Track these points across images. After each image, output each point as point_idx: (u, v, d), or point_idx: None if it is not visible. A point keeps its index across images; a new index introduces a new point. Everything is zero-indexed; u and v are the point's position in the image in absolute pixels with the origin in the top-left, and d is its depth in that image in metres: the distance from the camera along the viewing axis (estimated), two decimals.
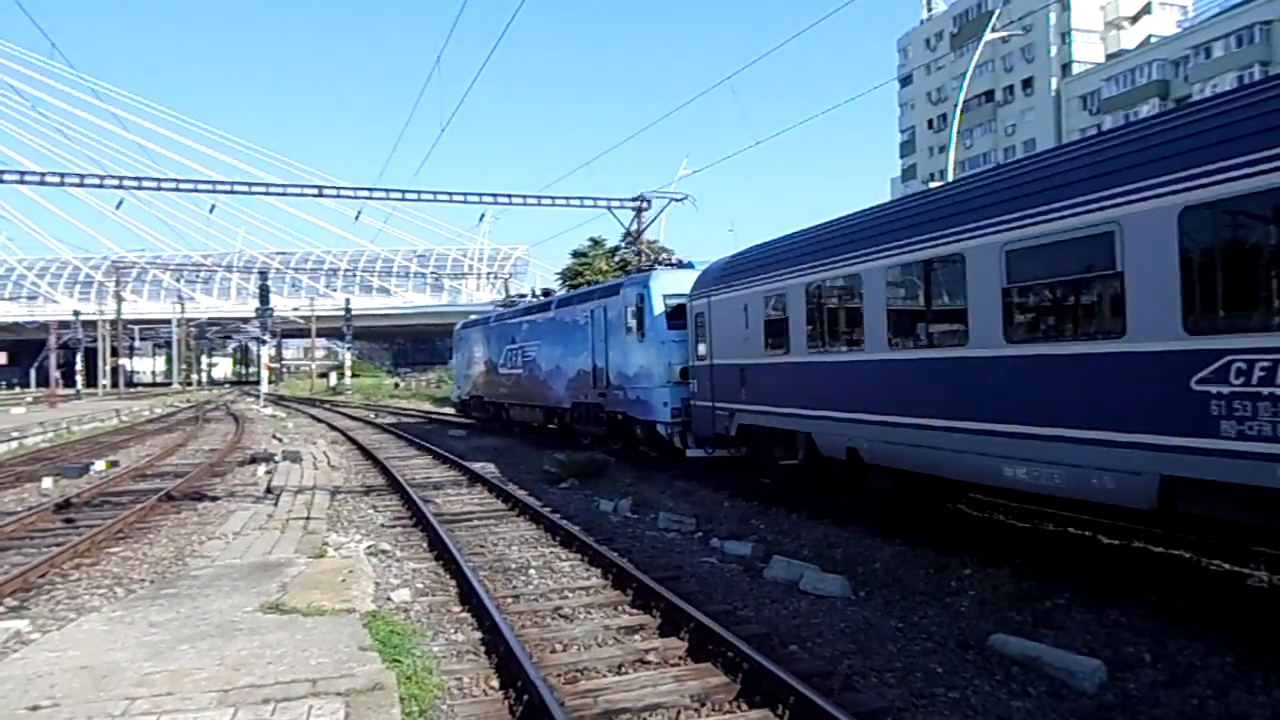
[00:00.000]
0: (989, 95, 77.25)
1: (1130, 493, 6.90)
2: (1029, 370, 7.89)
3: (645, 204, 30.80)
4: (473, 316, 35.67)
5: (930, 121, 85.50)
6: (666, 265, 20.38)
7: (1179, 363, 6.35)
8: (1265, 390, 5.71)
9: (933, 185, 10.32)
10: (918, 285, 9.68)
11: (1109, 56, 70.09)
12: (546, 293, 29.38)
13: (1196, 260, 6.32)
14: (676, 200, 29.03)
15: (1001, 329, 8.17)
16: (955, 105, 26.72)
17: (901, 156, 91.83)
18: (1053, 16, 71.15)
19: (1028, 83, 74.81)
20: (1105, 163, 7.21)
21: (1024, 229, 7.82)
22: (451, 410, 37.45)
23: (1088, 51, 72.08)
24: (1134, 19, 72.46)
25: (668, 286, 17.14)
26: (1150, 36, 68.79)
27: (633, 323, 17.64)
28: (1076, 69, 71.29)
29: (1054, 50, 72.52)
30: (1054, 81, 72.27)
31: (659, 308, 17.01)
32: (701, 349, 15.18)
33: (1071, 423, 7.36)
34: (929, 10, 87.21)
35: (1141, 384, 6.71)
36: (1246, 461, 5.85)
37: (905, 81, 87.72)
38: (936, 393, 9.12)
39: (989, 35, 29.95)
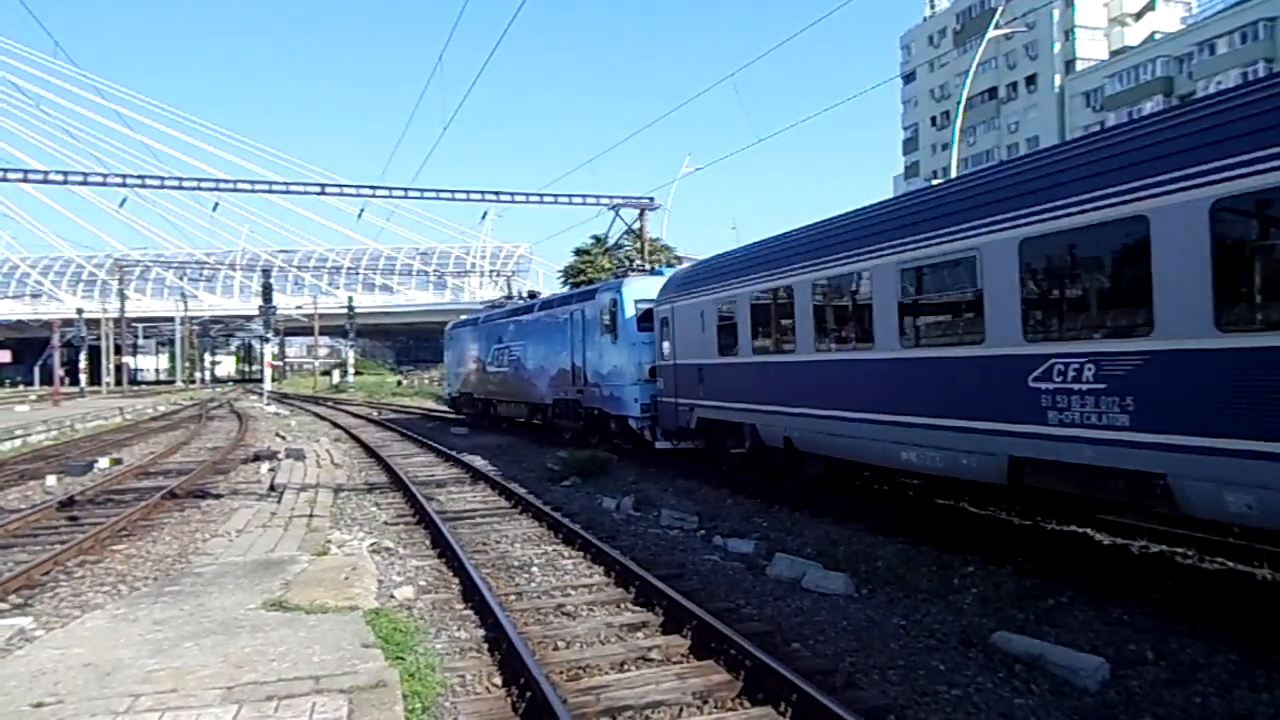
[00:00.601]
0: (992, 92, 77.11)
1: (988, 471, 8.37)
2: (917, 370, 9.43)
3: (624, 207, 30.89)
4: (463, 316, 37.23)
5: (933, 119, 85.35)
6: (639, 271, 21.69)
7: (1020, 364, 7.85)
8: (1075, 386, 7.28)
9: (845, 211, 11.87)
10: (836, 296, 11.30)
11: (1113, 53, 69.91)
12: (532, 294, 30.76)
13: (1030, 282, 7.94)
14: (649, 209, 30.95)
15: (898, 335, 9.71)
16: (958, 102, 26.68)
17: (904, 153, 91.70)
18: (1056, 13, 70.92)
19: (1031, 80, 74.64)
20: (970, 199, 8.84)
21: (913, 252, 9.45)
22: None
23: (1091, 48, 71.90)
24: (1138, 15, 72.27)
25: (639, 292, 18.43)
26: (1154, 33, 68.61)
27: (607, 325, 19.02)
28: (1080, 66, 71.11)
29: (1057, 47, 72.35)
30: (1057, 78, 72.12)
31: (630, 311, 18.35)
32: (666, 350, 16.63)
33: (947, 414, 8.89)
34: (932, 7, 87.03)
35: (995, 381, 8.20)
36: (1063, 443, 7.39)
37: (908, 78, 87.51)
38: (852, 389, 10.64)
39: (992, 32, 29.89)
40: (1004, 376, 8.05)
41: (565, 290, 26.67)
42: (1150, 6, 72.28)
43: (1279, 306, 5.94)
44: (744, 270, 13.66)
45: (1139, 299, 6.80)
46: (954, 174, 22.91)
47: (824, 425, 11.24)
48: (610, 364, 18.96)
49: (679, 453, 17.20)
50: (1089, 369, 7.22)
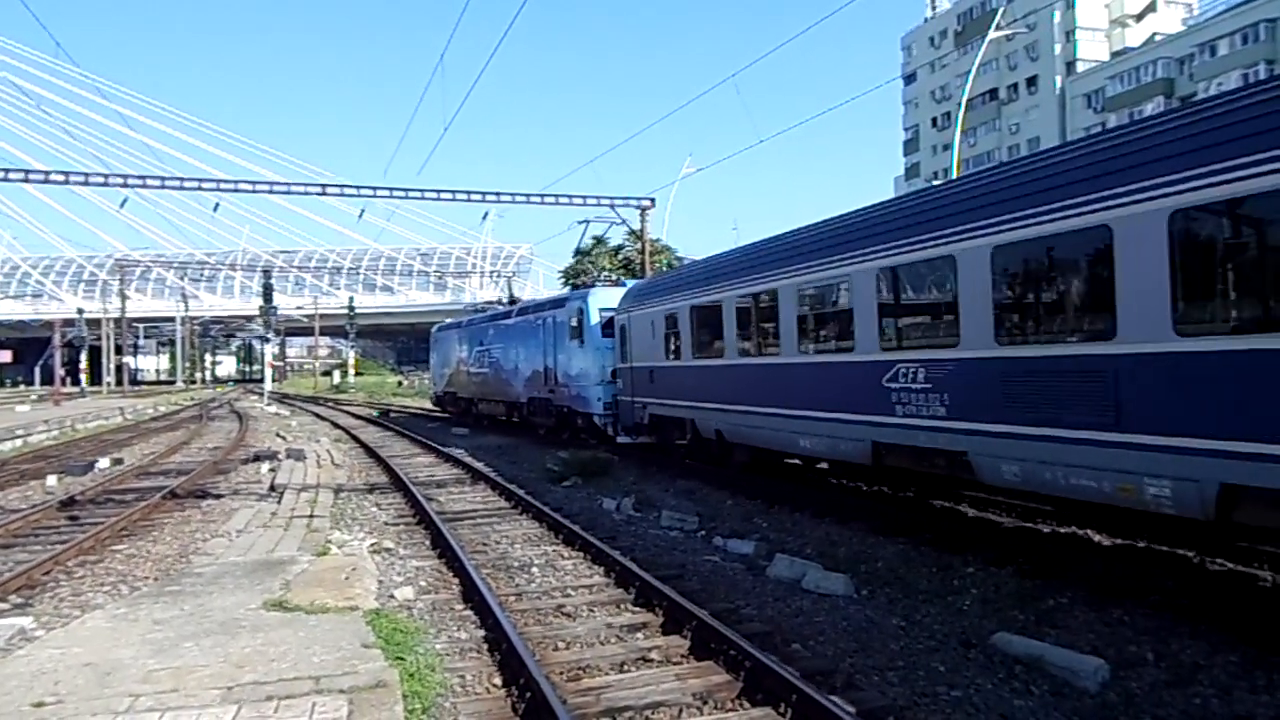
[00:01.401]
0: (993, 93, 77.09)
1: (859, 454, 10.35)
2: (810, 373, 11.48)
3: (631, 208, 31.21)
4: (447, 320, 39.40)
5: (934, 120, 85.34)
6: (605, 283, 23.82)
7: (877, 368, 9.79)
8: (909, 385, 9.29)
9: (766, 236, 14.07)
10: (753, 310, 13.04)
11: (1114, 55, 69.89)
12: (512, 300, 33.39)
13: (882, 301, 9.93)
14: (616, 223, 33.19)
15: (796, 344, 11.79)
16: (959, 103, 26.67)
17: (905, 154, 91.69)
18: (1057, 14, 70.93)
19: (1032, 81, 74.62)
20: (842, 235, 10.88)
21: (807, 276, 11.46)
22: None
23: (1092, 50, 71.88)
24: (1138, 17, 72.26)
25: (603, 301, 20.34)
26: (1155, 34, 68.59)
27: (575, 331, 20.98)
28: (1081, 67, 71.10)
29: (1058, 48, 72.33)
30: (1058, 80, 72.10)
31: (595, 319, 20.28)
32: (624, 354, 18.54)
33: (831, 408, 10.87)
34: (933, 8, 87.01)
35: (861, 382, 10.14)
36: (904, 429, 9.40)
37: (909, 79, 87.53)
38: (765, 389, 12.59)
39: (993, 33, 29.89)
40: (867, 378, 10.04)
41: (540, 298, 29.12)
42: (1151, 8, 72.27)
43: (1032, 326, 8.11)
44: (686, 285, 15.70)
45: (951, 319, 8.80)
46: (955, 175, 23.07)
47: (746, 419, 13.32)
48: (577, 366, 20.87)
49: (707, 459, 16.87)
50: (920, 372, 9.19)
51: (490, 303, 38.59)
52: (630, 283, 21.39)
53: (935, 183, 10.15)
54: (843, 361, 10.61)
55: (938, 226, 8.92)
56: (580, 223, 30.81)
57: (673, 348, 15.92)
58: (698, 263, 16.66)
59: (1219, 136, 6.16)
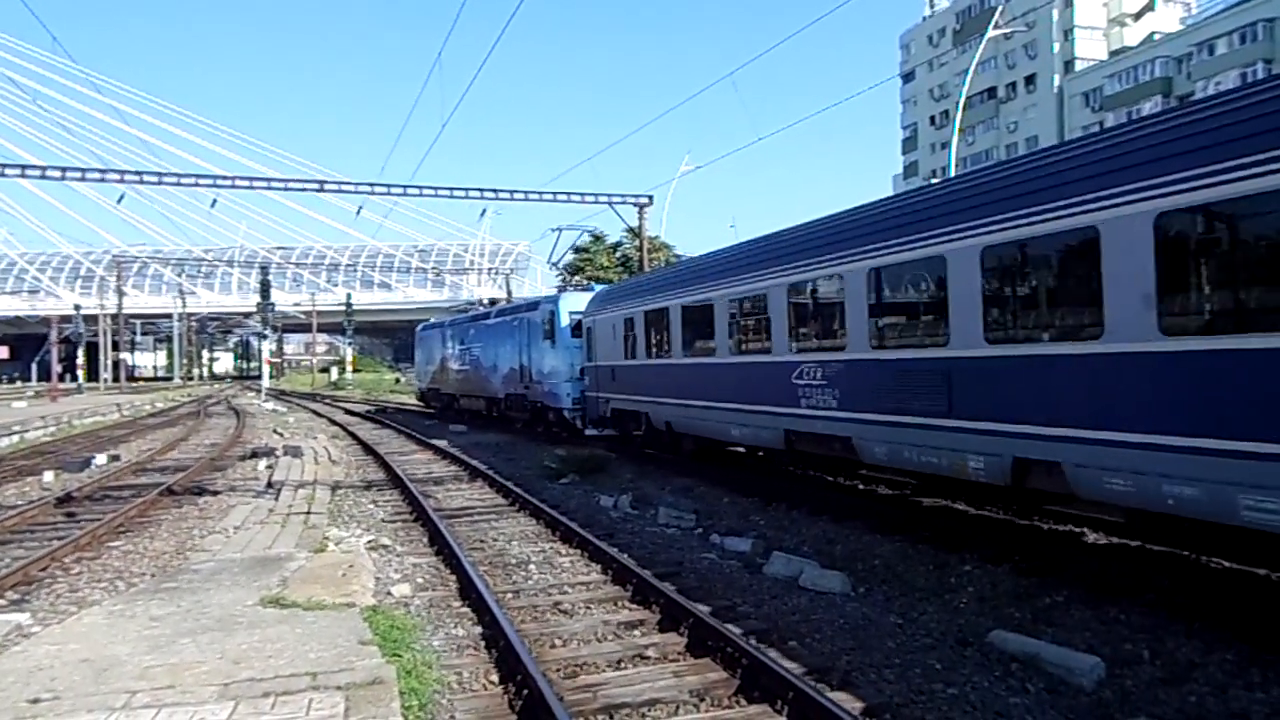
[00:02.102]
0: (991, 92, 77.12)
1: (775, 440, 12.19)
2: (739, 372, 13.17)
3: (630, 209, 31.37)
4: (431, 319, 41.45)
5: (932, 118, 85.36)
6: (575, 288, 25.48)
7: (787, 367, 11.62)
8: (811, 381, 11.13)
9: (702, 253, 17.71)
10: (697, 316, 14.63)
11: (1112, 53, 69.93)
12: (493, 302, 35.99)
13: (792, 309, 11.77)
14: (588, 232, 36.38)
15: (729, 346, 13.51)
16: (957, 102, 26.67)
17: (903, 153, 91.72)
18: (1055, 13, 70.92)
19: (1030, 79, 74.66)
20: (761, 257, 12.75)
21: (735, 289, 13.34)
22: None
23: (1090, 48, 71.92)
24: (1137, 16, 72.30)
25: (572, 305, 22.08)
26: (1153, 33, 68.64)
27: (547, 332, 22.73)
28: (1079, 66, 71.14)
29: (1057, 47, 72.35)
30: (1056, 78, 72.13)
31: (565, 321, 22.04)
32: (590, 353, 20.17)
33: (752, 401, 12.66)
34: (931, 6, 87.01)
35: (776, 379, 11.87)
36: (808, 419, 11.21)
37: (907, 78, 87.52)
38: (705, 385, 14.36)
39: (992, 32, 29.89)
40: (781, 376, 11.78)
41: (516, 300, 31.09)
42: (1149, 7, 72.31)
43: (895, 335, 9.95)
44: (641, 293, 17.44)
45: (841, 326, 10.59)
46: (953, 174, 23.16)
47: (690, 412, 15.09)
48: (549, 365, 22.66)
49: (673, 454, 17.55)
50: (819, 370, 10.98)
51: (472, 302, 41.54)
52: (597, 287, 23.45)
53: (835, 211, 12.18)
54: (763, 362, 12.46)
55: (831, 251, 10.85)
56: (553, 230, 31.64)
57: (630, 348, 17.63)
58: (652, 274, 19.90)
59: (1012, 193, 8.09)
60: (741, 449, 15.50)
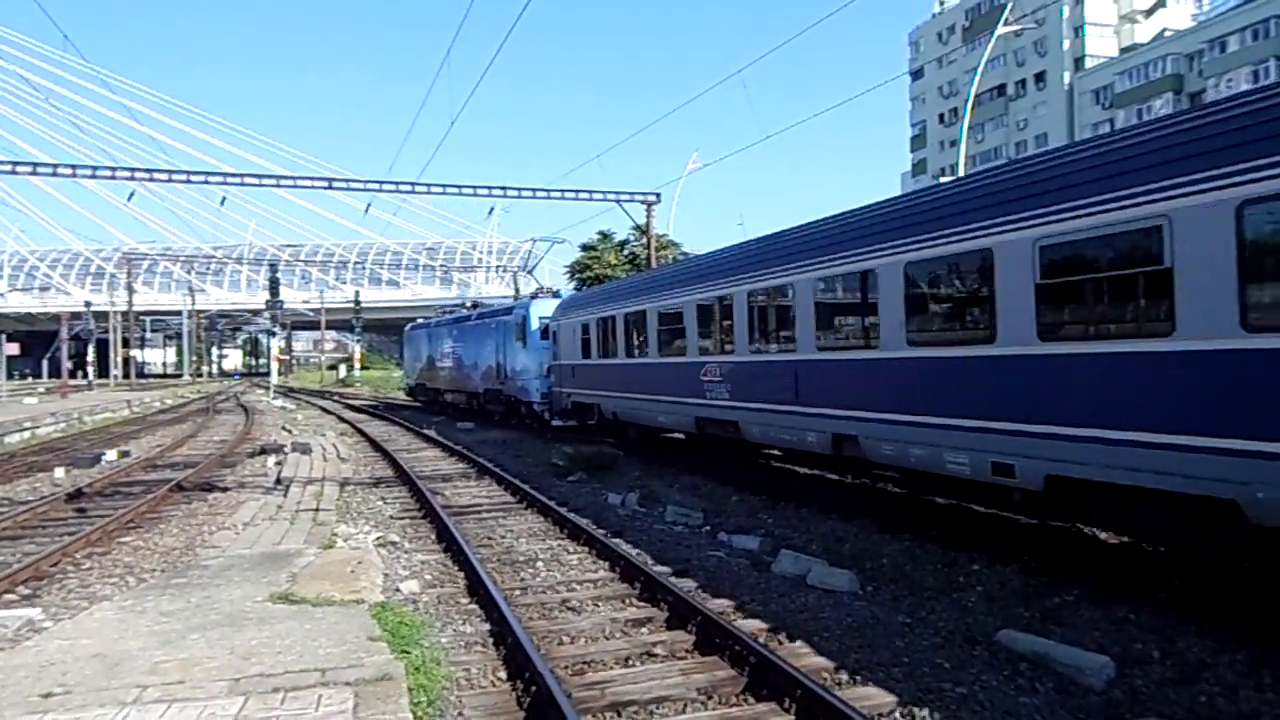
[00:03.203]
0: (1001, 89, 76.82)
1: (690, 425, 15.12)
2: (664, 371, 16.11)
3: (656, 198, 31.45)
4: (419, 320, 45.18)
5: (941, 116, 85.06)
6: (545, 295, 27.56)
7: (696, 367, 14.47)
8: (712, 378, 13.92)
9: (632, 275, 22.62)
10: (636, 324, 17.59)
11: (1122, 51, 69.56)
12: (475, 305, 38.33)
13: (698, 321, 14.57)
14: (557, 243, 38.98)
15: (657, 349, 16.40)
16: (966, 99, 26.56)
17: (912, 150, 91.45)
18: (1066, 10, 70.62)
19: (1040, 77, 74.33)
20: (681, 279, 15.69)
21: (662, 303, 16.21)
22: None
23: (1101, 45, 71.56)
24: (1148, 13, 71.89)
25: (542, 310, 24.76)
26: (1164, 30, 68.24)
27: (520, 334, 25.50)
28: (1089, 63, 70.79)
29: (1067, 44, 72.01)
30: (1066, 76, 71.79)
31: (535, 325, 24.72)
32: (555, 353, 22.91)
33: (673, 394, 15.62)
34: (941, 4, 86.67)
35: (690, 376, 14.70)
36: (709, 407, 14.10)
37: (916, 75, 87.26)
38: (640, 381, 17.29)
39: (1001, 29, 29.72)
40: (691, 374, 14.71)
41: (494, 305, 33.61)
42: (1161, 3, 71.88)
43: (762, 340, 12.71)
44: (596, 303, 20.43)
45: (729, 336, 13.49)
46: (962, 171, 23.16)
47: (630, 404, 18.02)
48: (521, 363, 25.40)
49: (681, 451, 18.09)
50: (718, 369, 13.87)
51: (452, 307, 45.50)
52: (565, 295, 26.29)
53: (733, 243, 15.90)
54: (679, 363, 15.35)
55: (724, 276, 13.85)
56: (536, 240, 33.88)
57: (586, 350, 20.40)
58: (604, 286, 23.58)
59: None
60: (679, 435, 18.07)
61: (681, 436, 17.87)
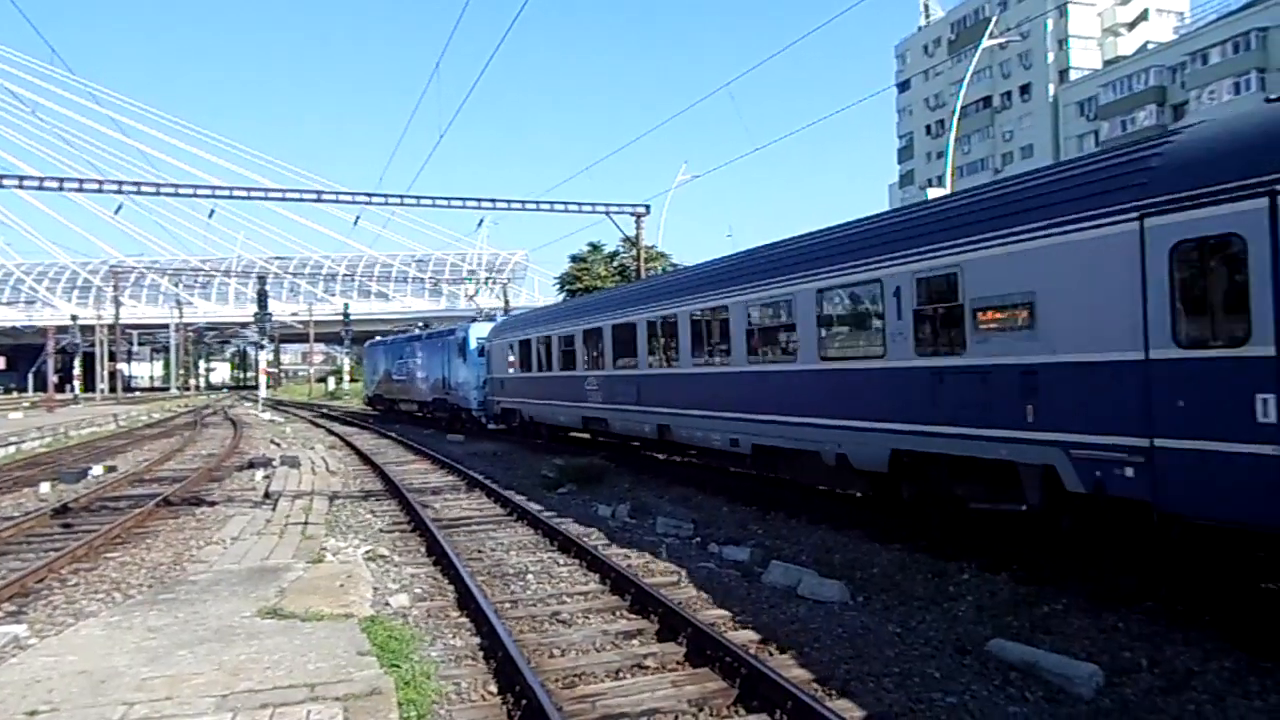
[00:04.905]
0: (987, 101, 77.48)
1: (579, 423, 20.27)
2: (565, 382, 20.70)
3: (646, 210, 31.56)
4: (377, 338, 51.46)
5: (928, 127, 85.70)
6: (482, 320, 33.04)
7: (582, 378, 19.63)
8: (592, 387, 19.08)
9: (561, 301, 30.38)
10: (543, 346, 22.54)
11: (1106, 63, 70.30)
12: (425, 325, 46.58)
13: (584, 344, 19.73)
14: (496, 277, 43.72)
15: (560, 365, 21.05)
16: (953, 111, 26.78)
17: (899, 162, 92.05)
18: (1050, 23, 71.38)
19: (1025, 89, 75.03)
20: (575, 312, 21.24)
21: (560, 331, 21.25)
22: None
23: (1085, 58, 72.34)
24: (1131, 25, 72.73)
25: (479, 332, 29.49)
26: (1147, 43, 68.98)
27: (460, 352, 30.33)
28: (1074, 75, 71.52)
29: (1051, 56, 72.76)
30: (1051, 87, 72.49)
31: (473, 344, 29.45)
32: (489, 369, 27.90)
33: (567, 399, 20.48)
34: (927, 16, 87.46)
35: (578, 385, 19.69)
36: (590, 409, 19.33)
37: (903, 87, 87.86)
38: (545, 390, 22.23)
39: (987, 41, 30.05)
40: (579, 384, 19.69)
41: (439, 328, 38.60)
42: (1144, 17, 72.71)
43: (623, 359, 17.51)
44: (517, 328, 25.69)
45: (602, 355, 18.32)
46: (949, 182, 23.38)
47: (540, 408, 22.99)
48: (462, 377, 30.33)
49: (676, 463, 18.60)
50: (595, 381, 18.83)
51: (419, 324, 51.39)
52: (499, 318, 32.22)
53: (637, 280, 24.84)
54: (571, 375, 20.36)
55: (598, 311, 19.26)
56: (469, 274, 36.60)
57: (511, 366, 25.30)
58: (524, 314, 30.04)
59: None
60: (585, 434, 21.76)
61: (589, 436, 21.71)
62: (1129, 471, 6.98)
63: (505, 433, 26.37)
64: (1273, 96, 6.92)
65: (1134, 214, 6.91)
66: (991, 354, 8.34)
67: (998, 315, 8.37)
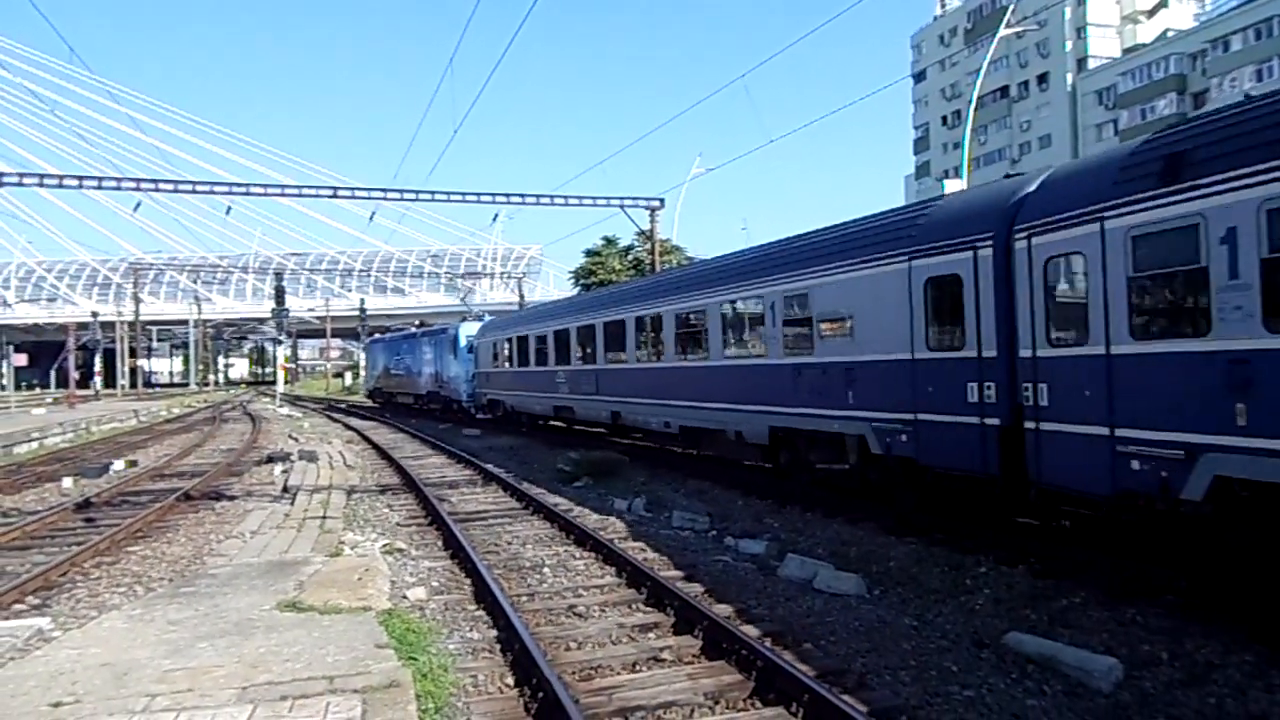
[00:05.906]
0: (1004, 91, 76.71)
1: (550, 411, 24.23)
2: (537, 375, 24.73)
3: (659, 204, 31.59)
4: (377, 335, 56.95)
5: (944, 118, 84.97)
6: (471, 320, 36.11)
7: (553, 373, 23.38)
8: (560, 380, 22.80)
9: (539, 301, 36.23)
10: (521, 346, 25.96)
11: (1125, 51, 69.44)
12: (421, 324, 50.93)
13: (553, 344, 23.57)
14: (470, 297, 49.96)
15: (533, 361, 24.87)
16: (969, 101, 26.55)
17: (915, 153, 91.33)
18: (1068, 11, 70.50)
19: (1043, 78, 74.21)
20: (546, 313, 25.97)
21: (535, 331, 25.02)
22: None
23: (1103, 46, 71.43)
24: (1150, 13, 71.74)
25: (469, 331, 32.87)
26: (1167, 30, 68.13)
27: (452, 349, 33.74)
28: (1092, 64, 70.66)
29: (1069, 45, 71.91)
30: (1069, 77, 71.69)
31: (463, 342, 32.85)
32: (477, 364, 31.48)
33: (540, 391, 24.40)
34: (943, 6, 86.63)
35: (550, 379, 23.52)
36: (560, 398, 22.92)
37: (919, 78, 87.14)
38: (526, 383, 25.82)
39: (1003, 30, 29.74)
40: (550, 378, 23.32)
41: (433, 326, 42.04)
42: (1163, 4, 71.71)
43: (568, 361, 22.32)
44: (501, 328, 29.32)
45: (563, 356, 22.82)
46: (966, 174, 23.22)
47: (519, 398, 26.66)
48: (454, 371, 33.79)
49: (687, 456, 18.41)
50: (564, 374, 22.54)
51: (415, 322, 57.06)
52: (488, 318, 35.27)
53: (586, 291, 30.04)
54: (545, 370, 23.63)
55: (566, 315, 22.58)
56: (459, 279, 38.20)
57: (495, 361, 29.05)
58: (507, 316, 33.03)
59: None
60: (562, 423, 24.98)
61: (563, 424, 24.91)
62: (904, 438, 9.96)
63: (515, 427, 28.07)
64: (1013, 173, 9.82)
65: (905, 258, 9.93)
66: (829, 354, 11.40)
67: (833, 326, 11.37)
